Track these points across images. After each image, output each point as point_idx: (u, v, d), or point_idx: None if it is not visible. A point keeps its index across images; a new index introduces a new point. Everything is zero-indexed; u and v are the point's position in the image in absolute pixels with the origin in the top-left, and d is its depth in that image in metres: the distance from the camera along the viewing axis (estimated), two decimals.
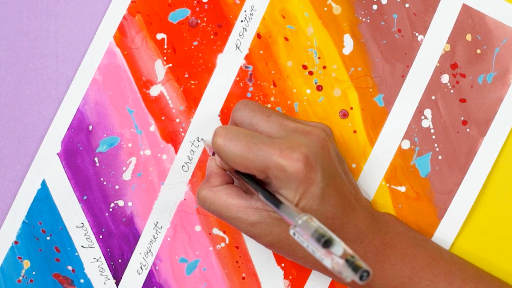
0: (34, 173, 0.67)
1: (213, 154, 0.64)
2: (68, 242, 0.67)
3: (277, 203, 0.56)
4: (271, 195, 0.57)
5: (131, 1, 0.66)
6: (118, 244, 0.67)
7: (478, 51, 0.66)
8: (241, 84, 0.67)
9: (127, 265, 0.67)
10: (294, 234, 0.53)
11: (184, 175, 0.67)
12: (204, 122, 0.67)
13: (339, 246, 0.51)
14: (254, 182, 0.59)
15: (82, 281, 0.67)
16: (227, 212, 0.60)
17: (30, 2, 0.67)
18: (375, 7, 0.66)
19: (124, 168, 0.67)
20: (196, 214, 0.67)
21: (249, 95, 0.67)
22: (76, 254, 0.67)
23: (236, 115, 0.62)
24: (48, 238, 0.67)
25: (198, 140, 0.67)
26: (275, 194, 0.58)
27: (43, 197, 0.67)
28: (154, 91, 0.67)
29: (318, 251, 0.51)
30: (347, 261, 0.50)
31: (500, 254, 0.66)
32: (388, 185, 0.66)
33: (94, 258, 0.67)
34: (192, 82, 0.67)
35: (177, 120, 0.67)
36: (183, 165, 0.67)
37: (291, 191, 0.58)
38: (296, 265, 0.67)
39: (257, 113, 0.61)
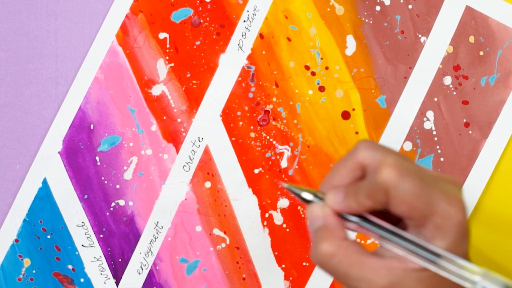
0: (35, 172, 0.67)
1: (309, 201, 0.51)
2: (69, 241, 0.67)
3: (435, 256, 0.48)
4: (424, 248, 0.48)
5: (134, 0, 0.66)
6: (118, 243, 0.67)
7: (481, 53, 0.66)
8: (243, 84, 0.66)
9: (127, 264, 0.67)
10: None
11: (185, 175, 0.67)
12: (206, 122, 0.67)
13: None
14: (396, 233, 0.49)
15: (82, 280, 0.67)
16: (357, 271, 0.49)
17: (30, 2, 0.66)
18: (378, 8, 0.66)
19: (125, 168, 0.67)
20: (196, 214, 0.67)
21: (251, 95, 0.66)
22: (77, 253, 0.67)
23: (363, 154, 0.50)
24: (48, 236, 0.67)
25: (199, 140, 0.67)
26: (427, 247, 0.48)
27: (44, 195, 0.67)
28: (156, 90, 0.67)
29: None
30: None
31: (501, 257, 0.66)
32: None
33: (95, 257, 0.67)
34: (194, 82, 0.66)
35: (179, 120, 0.67)
36: (184, 165, 0.67)
37: (446, 242, 0.48)
38: (296, 266, 0.67)
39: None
